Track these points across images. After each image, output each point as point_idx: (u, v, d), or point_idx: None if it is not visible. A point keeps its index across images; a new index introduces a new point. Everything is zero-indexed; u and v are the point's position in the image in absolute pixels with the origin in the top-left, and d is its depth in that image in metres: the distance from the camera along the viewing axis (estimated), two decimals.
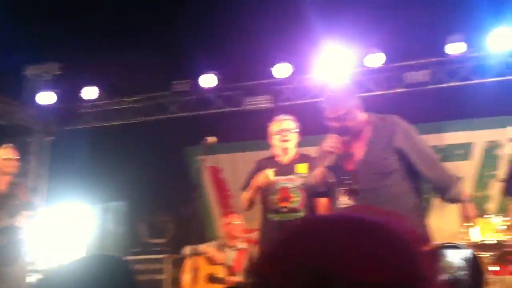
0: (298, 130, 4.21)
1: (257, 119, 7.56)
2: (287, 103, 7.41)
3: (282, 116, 4.25)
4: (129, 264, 1.53)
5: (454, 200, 3.03)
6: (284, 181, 4.07)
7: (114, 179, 7.68)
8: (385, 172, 2.99)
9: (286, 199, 4.03)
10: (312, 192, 3.33)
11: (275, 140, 4.16)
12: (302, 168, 4.05)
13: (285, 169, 4.12)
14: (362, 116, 3.13)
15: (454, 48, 6.50)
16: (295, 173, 4.06)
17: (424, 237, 2.93)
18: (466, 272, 5.52)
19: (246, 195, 4.17)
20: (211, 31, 6.92)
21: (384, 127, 3.08)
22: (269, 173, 4.06)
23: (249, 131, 7.57)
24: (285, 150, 4.15)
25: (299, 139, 4.22)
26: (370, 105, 3.48)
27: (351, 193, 2.98)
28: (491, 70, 6.82)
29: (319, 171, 3.15)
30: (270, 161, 4.21)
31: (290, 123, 4.19)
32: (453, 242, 5.80)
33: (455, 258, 5.62)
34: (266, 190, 4.10)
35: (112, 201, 7.76)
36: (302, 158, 4.13)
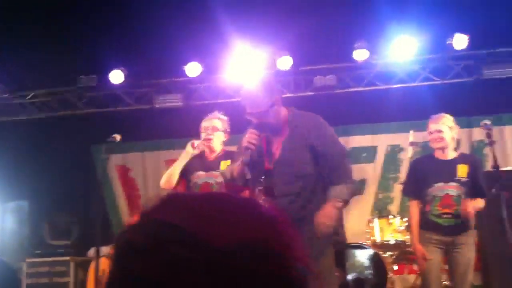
0: (224, 129, 4.30)
1: (168, 117, 7.50)
2: (198, 102, 7.37)
3: (211, 114, 4.37)
4: (15, 269, 1.45)
5: (328, 196, 3.08)
6: (206, 176, 4.14)
7: (15, 177, 7.30)
8: (299, 172, 3.06)
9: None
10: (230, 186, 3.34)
11: (202, 137, 4.27)
12: (225, 165, 4.11)
13: (210, 165, 4.23)
14: (283, 112, 3.18)
15: (360, 54, 6.75)
16: (219, 170, 4.13)
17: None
18: (371, 271, 5.76)
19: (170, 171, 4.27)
20: (122, 27, 6.73)
21: (301, 124, 3.14)
22: (188, 147, 4.22)
23: (159, 130, 7.46)
24: (209, 148, 4.27)
25: (226, 138, 4.33)
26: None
27: (266, 192, 3.01)
28: (395, 77, 7.15)
29: (235, 166, 3.18)
30: (198, 157, 4.29)
31: (216, 121, 4.28)
32: (357, 242, 6.04)
33: (361, 257, 5.85)
34: (188, 183, 4.19)
35: (12, 201, 7.36)
36: (226, 155, 4.21)
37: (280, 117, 3.17)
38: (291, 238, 0.73)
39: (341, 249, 5.76)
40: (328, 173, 3.12)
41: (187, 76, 7.03)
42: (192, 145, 4.24)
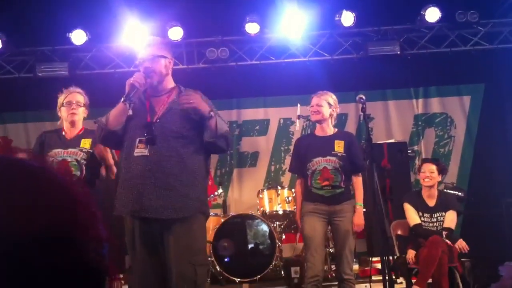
0: (86, 103, 4.16)
1: (51, 87, 7.08)
2: (84, 72, 7.05)
3: (72, 88, 4.17)
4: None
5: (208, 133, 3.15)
6: (64, 154, 4.00)
7: None
8: (177, 134, 3.13)
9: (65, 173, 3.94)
10: (104, 135, 3.24)
11: (63, 112, 4.07)
12: (86, 143, 4.05)
13: (69, 143, 4.08)
14: (171, 80, 3.34)
15: (252, 28, 6.76)
16: (78, 147, 4.01)
17: None
18: (260, 240, 5.88)
19: None
20: None
21: (187, 95, 3.18)
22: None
23: (43, 100, 7.04)
24: (72, 123, 4.09)
25: (86, 114, 4.19)
26: (173, 78, 3.48)
27: (147, 142, 3.08)
28: (286, 51, 7.24)
29: (116, 106, 3.19)
30: (56, 134, 4.12)
31: (79, 96, 4.12)
32: (250, 213, 6.13)
33: (252, 228, 5.94)
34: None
35: None
36: (87, 133, 4.13)
37: (168, 78, 3.31)
38: (90, 217, 0.68)
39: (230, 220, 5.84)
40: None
41: (72, 44, 6.68)
42: None
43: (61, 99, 4.15)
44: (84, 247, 0.65)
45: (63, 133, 4.12)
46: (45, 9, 6.32)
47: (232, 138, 3.40)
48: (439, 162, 5.38)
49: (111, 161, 4.02)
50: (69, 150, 4.02)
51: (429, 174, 5.10)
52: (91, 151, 4.04)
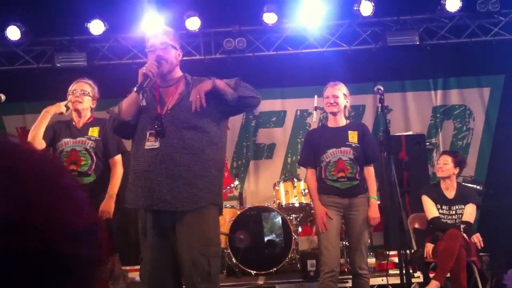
0: (93, 94, 4.26)
1: (70, 77, 7.12)
2: (102, 62, 7.07)
3: (81, 79, 4.30)
4: None
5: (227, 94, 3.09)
6: (73, 143, 4.06)
7: None
8: (188, 124, 3.08)
9: (75, 162, 4.01)
10: (116, 125, 3.19)
11: (69, 102, 4.20)
12: (94, 131, 4.14)
13: (78, 132, 4.17)
14: (179, 70, 3.29)
15: (269, 18, 6.71)
16: (86, 136, 4.07)
17: None
18: (277, 233, 5.87)
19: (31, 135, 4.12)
20: None
21: (197, 84, 3.14)
22: (62, 105, 4.17)
23: (61, 90, 7.09)
24: (77, 111, 4.20)
25: (94, 105, 4.29)
26: (190, 69, 3.48)
27: (157, 135, 3.04)
28: (304, 42, 7.19)
29: (128, 96, 3.15)
30: (65, 124, 4.24)
31: (86, 86, 4.23)
32: (266, 205, 6.13)
33: (268, 220, 5.94)
34: (55, 151, 4.09)
35: None
36: (95, 121, 4.21)
37: (177, 69, 3.28)
38: (65, 202, 0.64)
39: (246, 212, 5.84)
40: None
41: (90, 34, 6.70)
42: (58, 107, 4.13)
43: (69, 89, 4.28)
44: (49, 234, 0.61)
45: (73, 123, 4.21)
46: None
47: (258, 99, 3.32)
48: (457, 154, 5.29)
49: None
50: (78, 139, 4.09)
51: (442, 166, 5.05)
52: (99, 138, 4.09)
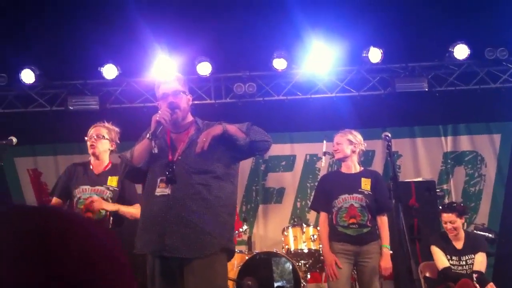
0: (111, 137, 4.22)
1: (82, 120, 7.22)
2: (114, 106, 7.17)
3: (98, 123, 4.28)
4: None
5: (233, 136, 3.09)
6: (92, 191, 4.02)
7: None
8: (199, 169, 3.07)
9: (92, 210, 3.97)
10: (128, 170, 3.22)
11: (88, 146, 4.18)
12: (113, 180, 4.09)
13: (97, 179, 4.12)
14: (189, 115, 3.31)
15: (279, 64, 6.81)
16: (105, 185, 4.04)
17: None
18: (284, 280, 5.78)
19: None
20: (35, 25, 6.44)
21: (206, 129, 3.15)
22: None
23: (73, 133, 7.17)
24: (94, 155, 4.16)
25: (113, 147, 4.24)
26: (200, 113, 3.51)
27: (168, 182, 3.04)
28: (313, 87, 7.25)
29: (140, 143, 3.17)
30: (83, 167, 4.15)
31: (102, 129, 4.18)
32: (275, 251, 6.05)
33: (276, 266, 5.85)
34: (73, 197, 4.03)
35: None
36: (114, 169, 4.14)
37: (188, 115, 3.29)
38: (111, 265, 0.67)
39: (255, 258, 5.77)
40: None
41: (103, 78, 6.82)
42: None
43: (88, 133, 4.25)
44: None
45: (91, 167, 4.17)
46: (77, 44, 6.49)
47: (269, 143, 3.31)
48: (456, 206, 5.20)
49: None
50: (96, 187, 4.04)
51: (450, 227, 5.00)
52: (117, 189, 4.06)
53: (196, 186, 3.04)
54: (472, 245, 4.98)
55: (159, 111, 3.13)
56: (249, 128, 3.13)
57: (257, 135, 3.14)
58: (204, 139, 3.00)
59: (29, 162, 7.72)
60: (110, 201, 4.03)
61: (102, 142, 4.16)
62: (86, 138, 4.23)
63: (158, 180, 3.08)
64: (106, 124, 4.28)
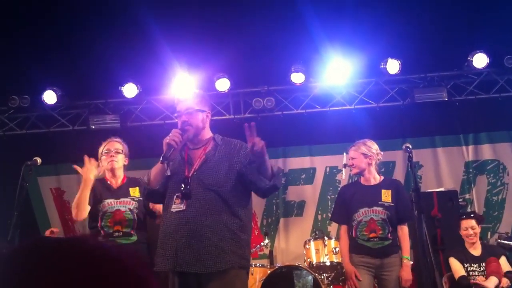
0: (125, 152, 4.27)
1: (104, 139, 7.31)
2: (135, 124, 7.26)
3: (110, 138, 4.33)
4: None
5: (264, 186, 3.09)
6: (117, 204, 4.05)
7: None
8: (214, 186, 3.11)
9: (120, 223, 4.00)
10: (147, 193, 3.31)
11: (103, 161, 4.18)
12: (135, 191, 4.11)
13: (118, 192, 4.13)
14: (208, 131, 3.34)
15: (297, 77, 6.84)
16: (130, 196, 4.06)
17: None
18: None
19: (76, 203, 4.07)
20: (56, 47, 6.59)
21: (226, 146, 3.22)
22: (94, 169, 4.09)
23: (95, 152, 7.26)
24: (112, 170, 4.17)
25: (127, 162, 4.29)
26: (220, 129, 3.54)
27: (184, 197, 3.09)
28: (332, 100, 7.26)
29: (155, 166, 3.22)
30: (100, 183, 4.19)
31: (118, 145, 4.25)
32: (297, 264, 6.03)
33: (298, 279, 5.83)
34: (99, 212, 4.04)
35: None
36: (132, 181, 4.19)
37: (205, 131, 3.31)
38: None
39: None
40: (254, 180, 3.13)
41: (123, 97, 6.92)
42: (92, 164, 4.11)
43: (100, 149, 4.30)
44: None
45: (108, 182, 4.21)
46: (98, 64, 6.60)
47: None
48: (475, 214, 5.38)
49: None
50: (121, 199, 4.09)
51: (472, 232, 5.08)
52: (141, 199, 4.10)
53: (210, 201, 3.08)
54: (490, 251, 5.12)
55: (170, 134, 3.17)
56: (277, 172, 3.13)
57: (276, 181, 3.13)
58: (261, 145, 2.98)
59: (52, 181, 7.83)
60: (135, 211, 4.08)
61: (119, 156, 4.22)
62: (101, 153, 4.25)
63: (174, 196, 3.13)
64: (118, 139, 4.35)
